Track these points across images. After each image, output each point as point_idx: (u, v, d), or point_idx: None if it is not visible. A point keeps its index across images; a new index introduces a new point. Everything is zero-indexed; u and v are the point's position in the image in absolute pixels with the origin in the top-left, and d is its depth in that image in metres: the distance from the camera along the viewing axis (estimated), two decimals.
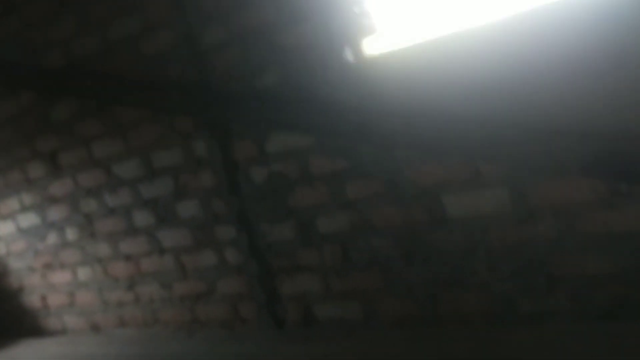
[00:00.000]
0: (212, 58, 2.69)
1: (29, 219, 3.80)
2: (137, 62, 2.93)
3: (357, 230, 2.51)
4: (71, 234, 3.60)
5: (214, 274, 3.06)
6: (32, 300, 4.01)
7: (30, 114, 3.52)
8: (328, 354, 2.43)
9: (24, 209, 3.80)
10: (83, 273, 3.64)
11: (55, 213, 3.63)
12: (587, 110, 1.94)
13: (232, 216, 2.83)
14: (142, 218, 3.24)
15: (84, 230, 3.52)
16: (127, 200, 3.27)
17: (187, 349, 2.99)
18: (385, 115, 2.23)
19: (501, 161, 2.08)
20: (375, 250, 2.49)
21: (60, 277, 3.78)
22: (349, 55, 2.35)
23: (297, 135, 2.55)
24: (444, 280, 2.36)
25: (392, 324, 2.54)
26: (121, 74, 3.01)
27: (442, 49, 2.12)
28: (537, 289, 2.19)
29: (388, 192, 2.39)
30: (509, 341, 2.12)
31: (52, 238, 3.71)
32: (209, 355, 2.79)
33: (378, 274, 2.52)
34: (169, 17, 2.78)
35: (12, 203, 3.86)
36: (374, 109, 2.26)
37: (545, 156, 2.01)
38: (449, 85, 2.14)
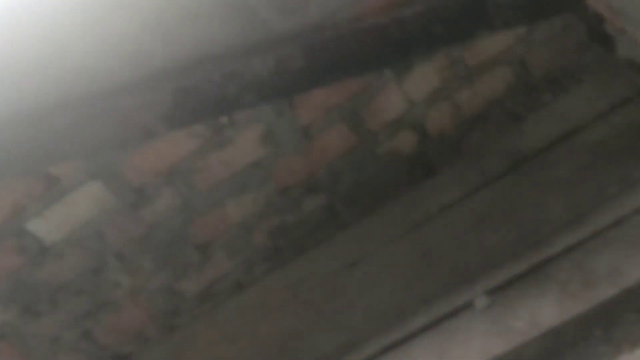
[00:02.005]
0: None
1: None
2: None
3: None
4: None
5: None
6: None
7: None
8: None
9: None
10: None
11: None
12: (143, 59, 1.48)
13: None
14: None
15: None
16: None
17: None
18: None
19: (72, 155, 1.54)
20: None
21: None
22: None
23: None
24: (93, 310, 1.83)
25: None
26: None
27: None
28: (194, 265, 1.82)
29: None
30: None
31: None
32: None
33: (16, 347, 1.86)
34: None
35: None
36: None
37: (118, 127, 1.52)
38: None
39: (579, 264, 1.20)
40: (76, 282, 1.79)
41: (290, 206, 1.77)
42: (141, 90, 1.51)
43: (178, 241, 1.77)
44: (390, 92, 1.64)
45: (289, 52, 1.50)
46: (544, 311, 1.21)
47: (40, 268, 1.74)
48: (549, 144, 1.47)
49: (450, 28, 1.52)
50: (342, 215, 1.80)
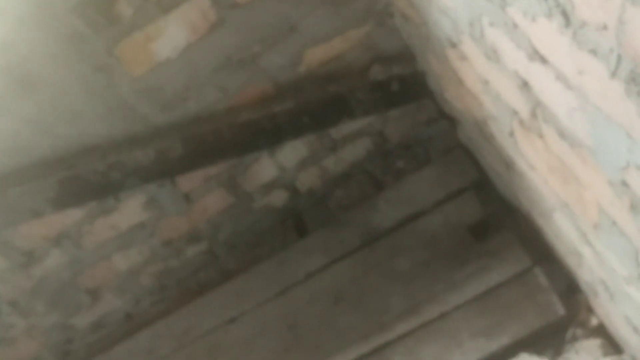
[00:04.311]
0: None
1: None
2: None
3: None
4: None
5: None
6: None
7: None
8: None
9: None
10: None
11: None
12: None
13: None
14: None
15: None
16: None
17: None
18: None
19: None
20: None
21: None
22: None
23: None
24: None
25: None
26: None
27: None
28: (83, 304, 1.97)
29: None
30: None
31: None
32: None
33: None
34: None
35: None
36: None
37: (7, 210, 1.61)
38: None
39: (410, 351, 1.49)
40: None
41: (174, 254, 1.95)
42: (28, 178, 1.59)
43: (68, 288, 1.91)
44: (264, 162, 1.81)
45: (169, 143, 1.63)
46: None
47: None
48: (396, 224, 1.72)
49: (316, 119, 1.70)
50: (222, 259, 2.00)
